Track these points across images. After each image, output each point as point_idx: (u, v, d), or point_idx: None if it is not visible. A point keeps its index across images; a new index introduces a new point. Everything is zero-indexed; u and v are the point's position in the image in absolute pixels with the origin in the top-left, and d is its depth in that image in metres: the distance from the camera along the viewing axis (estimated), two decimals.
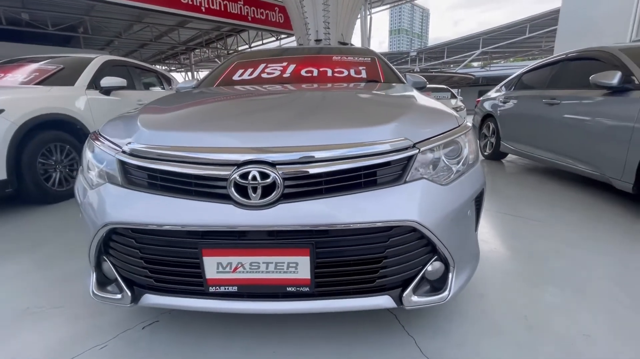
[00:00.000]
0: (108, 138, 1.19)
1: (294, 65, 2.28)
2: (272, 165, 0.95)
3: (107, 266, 1.12)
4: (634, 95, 2.43)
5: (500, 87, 4.74)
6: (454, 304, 1.35)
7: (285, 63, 2.31)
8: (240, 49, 17.63)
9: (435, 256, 1.04)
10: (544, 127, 3.42)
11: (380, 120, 1.09)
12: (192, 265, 0.98)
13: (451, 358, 1.08)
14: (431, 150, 1.05)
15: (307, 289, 0.98)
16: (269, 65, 2.30)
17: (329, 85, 1.91)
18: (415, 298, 1.02)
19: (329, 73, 2.17)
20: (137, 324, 1.29)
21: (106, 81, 3.56)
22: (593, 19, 9.58)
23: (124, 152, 1.06)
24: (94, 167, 1.16)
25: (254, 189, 0.93)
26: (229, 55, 19.51)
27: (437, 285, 1.07)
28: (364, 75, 2.17)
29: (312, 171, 0.94)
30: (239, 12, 10.60)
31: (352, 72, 2.19)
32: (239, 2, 10.52)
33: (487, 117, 4.82)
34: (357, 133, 1.02)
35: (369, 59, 2.42)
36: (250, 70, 2.27)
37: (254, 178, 0.92)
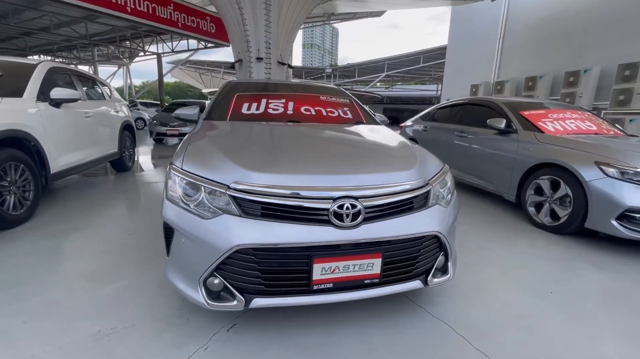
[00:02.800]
0: (199, 174, 1.47)
1: (292, 102, 2.70)
2: (356, 198, 1.42)
3: (212, 280, 1.40)
4: (513, 136, 3.63)
5: (417, 119, 5.94)
6: (439, 288, 1.99)
7: (283, 100, 2.71)
8: (160, 51, 16.33)
9: (442, 252, 1.65)
10: (456, 152, 4.56)
11: (408, 165, 1.67)
12: (302, 271, 1.37)
13: (451, 316, 1.71)
14: (435, 185, 1.67)
15: (377, 280, 1.47)
16: (270, 101, 2.67)
17: (343, 126, 2.46)
18: (435, 280, 1.62)
19: (324, 112, 2.67)
20: (220, 329, 1.55)
21: (57, 93, 3.30)
22: (469, 59, 12.33)
23: (234, 189, 1.38)
24: (190, 199, 1.43)
25: (347, 215, 1.39)
26: (145, 54, 17.79)
27: (443, 269, 1.69)
28: (350, 115, 2.74)
29: (381, 202, 1.45)
30: (168, 17, 10.04)
31: (340, 112, 2.74)
32: (168, 7, 9.98)
33: (410, 141, 5.96)
34: (400, 175, 1.58)
35: (347, 100, 3.01)
36: (255, 104, 2.60)
37: (347, 208, 1.38)
